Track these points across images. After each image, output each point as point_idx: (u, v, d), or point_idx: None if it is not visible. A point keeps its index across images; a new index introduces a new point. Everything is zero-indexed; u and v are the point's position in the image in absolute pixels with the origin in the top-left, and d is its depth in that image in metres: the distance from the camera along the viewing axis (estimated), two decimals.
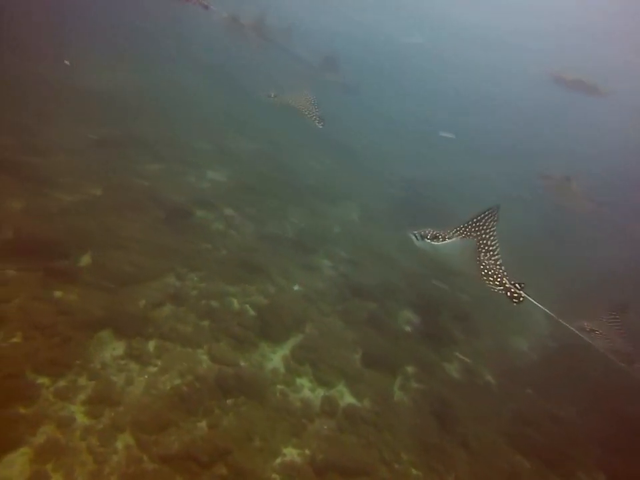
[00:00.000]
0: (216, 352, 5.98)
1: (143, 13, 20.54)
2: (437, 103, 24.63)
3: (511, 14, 42.61)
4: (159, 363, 5.61)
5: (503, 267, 5.39)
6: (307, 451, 5.14)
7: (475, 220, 5.30)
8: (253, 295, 7.35)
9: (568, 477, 6.04)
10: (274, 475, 4.76)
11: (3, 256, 6.32)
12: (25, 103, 11.14)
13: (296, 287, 7.88)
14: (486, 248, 5.38)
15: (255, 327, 6.64)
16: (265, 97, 9.12)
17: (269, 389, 5.76)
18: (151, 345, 5.80)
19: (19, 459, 4.18)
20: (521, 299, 5.10)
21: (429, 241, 5.48)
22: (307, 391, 6.00)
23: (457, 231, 5.42)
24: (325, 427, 5.54)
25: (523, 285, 5.16)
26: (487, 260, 5.35)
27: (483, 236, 5.35)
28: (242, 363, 6.00)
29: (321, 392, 6.03)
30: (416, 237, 5.64)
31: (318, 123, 8.84)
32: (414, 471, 5.38)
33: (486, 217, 5.25)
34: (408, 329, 7.96)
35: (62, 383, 4.96)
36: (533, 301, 5.08)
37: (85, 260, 6.82)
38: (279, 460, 4.94)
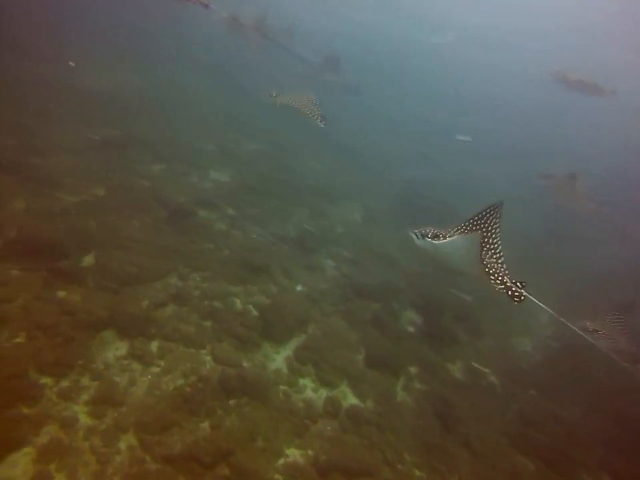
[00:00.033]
0: (219, 352, 5.97)
1: (142, 13, 20.50)
2: (437, 103, 24.61)
3: (511, 14, 42.67)
4: (162, 363, 5.61)
5: (504, 265, 5.37)
6: (310, 452, 5.13)
7: (477, 217, 5.23)
8: (256, 295, 7.35)
9: (571, 479, 6.03)
10: (277, 476, 4.76)
11: (6, 256, 6.32)
12: (26, 103, 11.13)
13: (299, 287, 7.87)
14: (488, 246, 5.34)
15: (257, 327, 6.64)
16: (266, 96, 9.12)
17: (272, 390, 5.75)
18: (154, 346, 5.80)
19: (23, 459, 4.19)
20: (522, 297, 5.10)
21: (429, 239, 5.47)
22: (310, 391, 5.99)
23: (459, 229, 5.38)
24: (328, 428, 5.53)
25: (524, 284, 5.15)
26: (489, 258, 5.32)
27: (485, 233, 5.31)
28: (245, 364, 5.99)
29: (323, 392, 6.03)
30: (416, 235, 5.63)
31: (320, 121, 8.85)
32: (417, 472, 5.37)
33: (489, 214, 5.18)
34: (411, 329, 7.96)
35: (65, 383, 4.97)
36: (534, 299, 5.09)
37: (88, 260, 6.82)
38: (281, 461, 4.94)
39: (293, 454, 5.07)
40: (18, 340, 5.26)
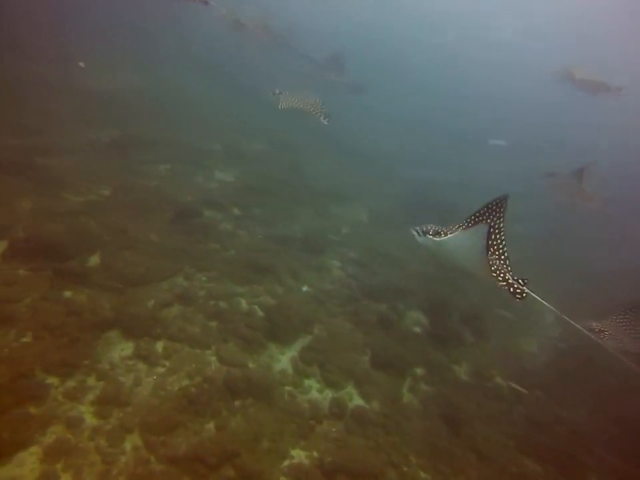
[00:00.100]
0: (224, 353, 5.97)
1: (142, 13, 20.54)
2: (438, 102, 24.47)
3: (511, 12, 42.43)
4: (167, 363, 5.61)
5: (507, 262, 5.30)
6: (315, 453, 5.11)
7: (480, 212, 4.99)
8: (261, 295, 7.34)
9: None
10: (282, 478, 4.73)
11: (12, 256, 6.38)
12: (27, 104, 11.22)
13: (305, 288, 7.85)
14: (490, 242, 5.22)
15: (263, 327, 6.63)
16: (269, 94, 9.10)
17: (277, 391, 5.73)
18: (159, 346, 5.81)
19: (29, 458, 4.21)
20: (524, 294, 5.05)
21: (430, 236, 5.42)
22: (315, 392, 5.97)
23: (461, 225, 5.28)
24: (333, 429, 5.50)
25: (526, 281, 5.10)
26: (491, 254, 5.24)
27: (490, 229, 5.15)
28: (250, 364, 5.98)
29: (329, 393, 6.00)
30: (418, 232, 5.58)
31: (323, 119, 8.81)
32: (423, 474, 5.33)
33: (492, 209, 4.93)
34: (416, 330, 7.91)
35: (71, 383, 4.98)
36: (536, 297, 5.05)
37: (94, 260, 6.85)
38: (286, 462, 4.92)
39: (298, 455, 5.05)
40: (25, 340, 5.30)
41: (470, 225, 5.08)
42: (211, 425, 5.03)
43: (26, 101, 11.33)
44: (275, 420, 5.32)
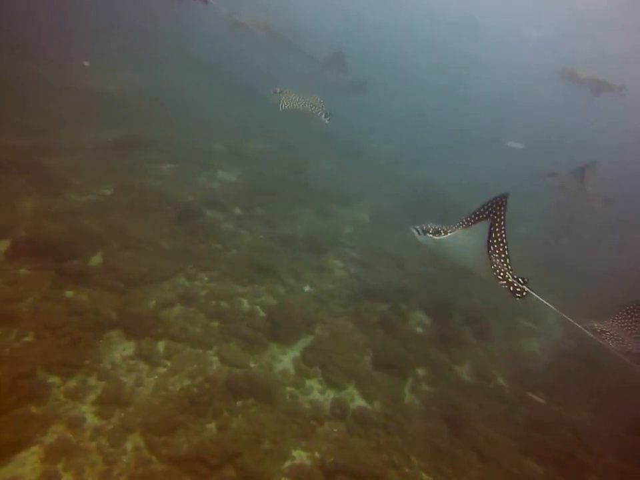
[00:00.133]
0: (226, 353, 5.96)
1: (142, 13, 20.53)
2: (439, 102, 24.43)
3: (513, 12, 42.35)
4: (169, 363, 5.61)
5: (508, 260, 5.28)
6: (317, 454, 5.10)
7: (481, 210, 4.99)
8: (263, 295, 7.33)
9: None
10: (283, 478, 4.72)
11: (15, 255, 6.39)
12: (27, 104, 11.23)
13: (307, 288, 7.84)
14: (491, 240, 5.19)
15: (264, 328, 6.61)
16: (270, 92, 9.08)
17: (279, 391, 5.72)
18: (161, 346, 5.81)
19: (31, 458, 4.22)
20: (524, 293, 5.04)
21: (430, 235, 5.41)
22: (317, 393, 5.96)
23: (461, 224, 5.26)
24: (335, 430, 5.49)
25: (526, 280, 5.09)
26: (492, 253, 5.22)
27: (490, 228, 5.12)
28: (252, 365, 5.97)
29: (330, 394, 5.99)
30: (417, 231, 5.57)
31: (325, 117, 8.78)
32: (424, 476, 5.32)
33: (492, 207, 4.91)
34: (419, 330, 7.90)
35: (72, 383, 4.99)
36: (536, 296, 5.05)
37: (96, 260, 6.86)
38: (288, 463, 4.91)
39: (300, 456, 5.04)
40: (26, 339, 5.31)
41: (470, 223, 5.06)
42: (212, 425, 5.02)
43: (26, 101, 11.34)
44: (277, 420, 5.31)
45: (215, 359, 5.90)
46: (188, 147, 11.85)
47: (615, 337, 6.01)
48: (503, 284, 5.10)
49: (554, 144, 21.24)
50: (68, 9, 18.41)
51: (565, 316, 5.35)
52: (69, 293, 6.10)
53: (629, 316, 6.42)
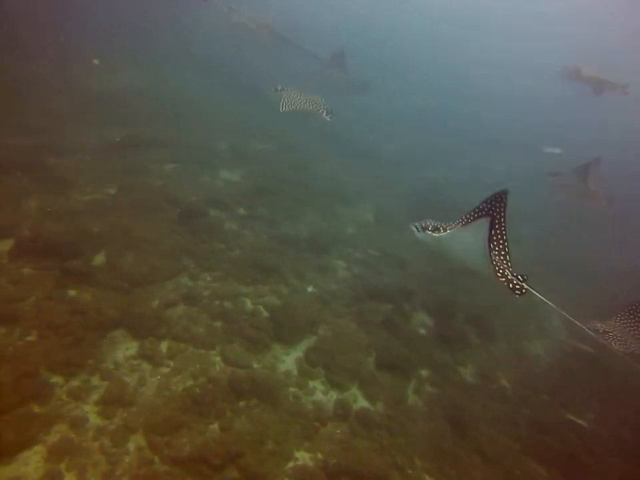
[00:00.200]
0: (229, 353, 5.95)
1: (142, 13, 20.51)
2: (440, 101, 24.40)
3: (514, 11, 42.32)
4: (172, 363, 5.60)
5: (508, 257, 5.25)
6: (320, 455, 5.08)
7: (480, 207, 4.90)
8: (266, 295, 7.32)
9: None
10: (286, 479, 4.71)
11: (18, 255, 6.39)
12: (28, 104, 11.22)
13: (310, 288, 7.82)
14: (490, 237, 5.14)
15: (268, 328, 6.60)
16: (271, 90, 9.06)
17: (282, 392, 5.71)
18: (164, 346, 5.80)
19: (34, 457, 4.22)
20: (524, 290, 5.01)
21: (430, 232, 5.39)
22: (320, 393, 5.94)
23: (461, 221, 5.22)
24: (338, 431, 5.48)
25: (525, 277, 5.07)
26: (491, 250, 5.18)
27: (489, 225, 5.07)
28: (255, 365, 5.96)
29: (333, 395, 5.97)
30: (417, 228, 5.55)
31: (326, 114, 8.75)
32: (427, 477, 5.30)
33: (492, 204, 4.81)
34: (422, 331, 7.88)
35: (75, 383, 4.99)
36: (536, 293, 5.04)
37: (99, 260, 6.85)
38: (291, 464, 4.89)
39: (303, 457, 5.03)
40: (29, 338, 5.31)
41: (469, 220, 5.03)
42: (215, 426, 5.01)
43: (26, 101, 11.34)
44: (280, 421, 5.29)
45: (218, 359, 5.89)
46: (189, 146, 11.84)
47: (618, 338, 5.99)
48: (502, 281, 5.08)
49: (554, 143, 21.19)
50: (68, 9, 18.40)
51: (565, 314, 5.35)
52: (72, 293, 6.10)
53: (631, 316, 6.40)
